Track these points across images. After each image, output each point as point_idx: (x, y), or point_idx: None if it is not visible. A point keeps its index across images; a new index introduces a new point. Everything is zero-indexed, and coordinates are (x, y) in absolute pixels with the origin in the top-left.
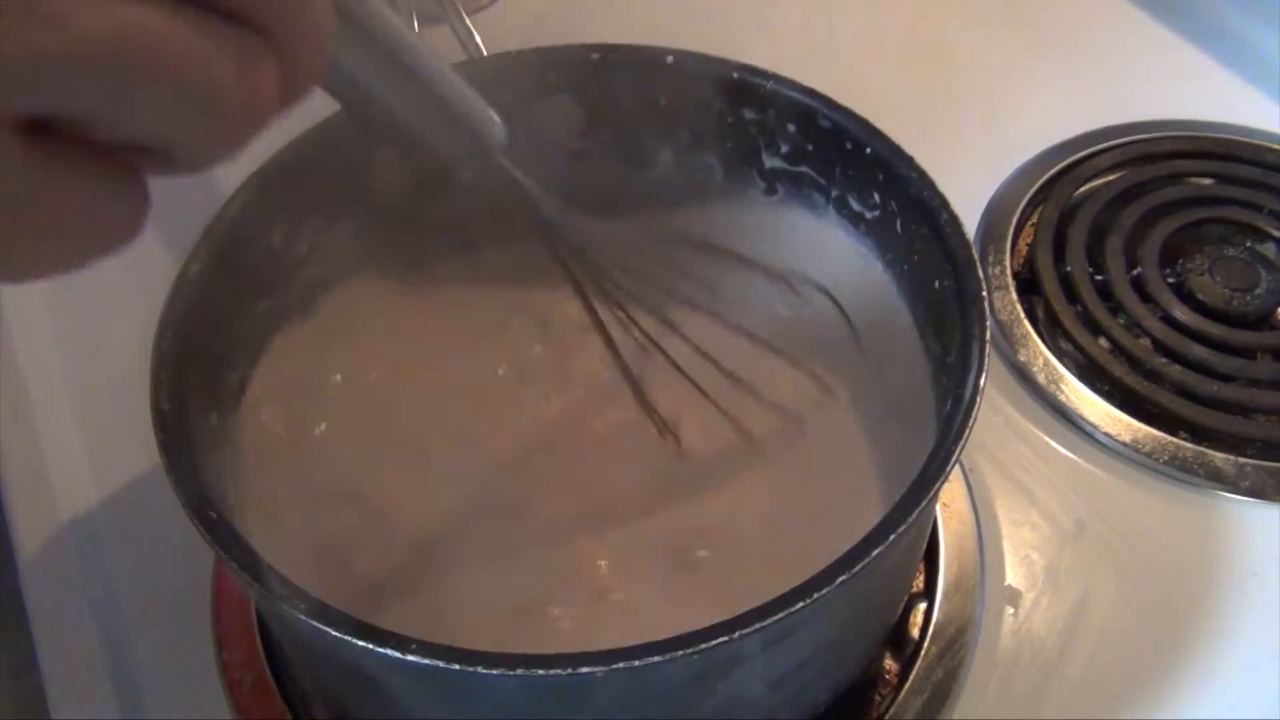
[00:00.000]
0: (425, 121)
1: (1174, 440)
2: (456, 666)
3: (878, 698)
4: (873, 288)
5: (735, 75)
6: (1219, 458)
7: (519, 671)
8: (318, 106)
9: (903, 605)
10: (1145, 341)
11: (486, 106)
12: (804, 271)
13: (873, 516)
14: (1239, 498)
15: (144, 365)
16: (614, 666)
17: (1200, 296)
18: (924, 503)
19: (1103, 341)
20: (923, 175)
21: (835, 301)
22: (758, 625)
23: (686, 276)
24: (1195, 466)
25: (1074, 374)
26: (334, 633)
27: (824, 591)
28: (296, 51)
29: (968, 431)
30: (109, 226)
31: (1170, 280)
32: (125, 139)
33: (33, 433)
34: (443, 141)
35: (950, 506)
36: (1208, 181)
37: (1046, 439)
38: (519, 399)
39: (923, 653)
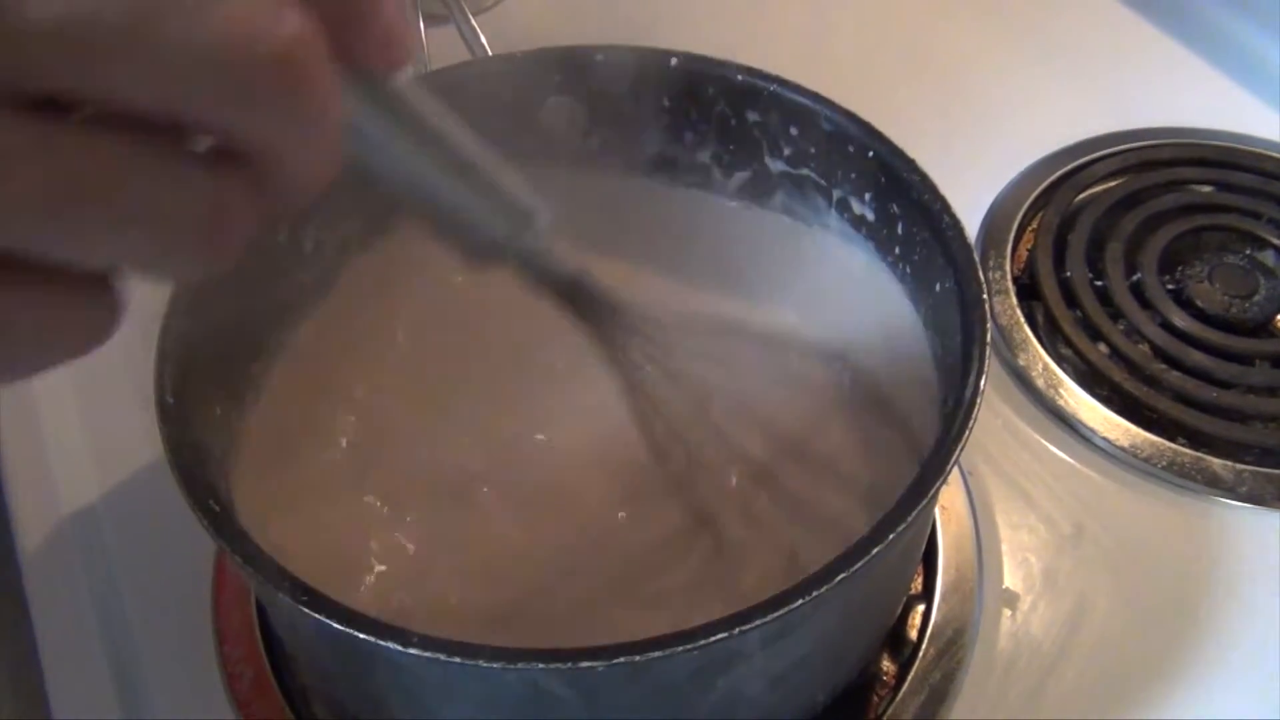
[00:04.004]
0: (459, 206)
1: (1172, 446)
2: (458, 660)
3: (875, 698)
4: (874, 290)
5: (739, 78)
6: (1217, 464)
7: (520, 665)
8: None
9: (901, 606)
10: (1144, 347)
11: (529, 193)
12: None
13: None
14: (1237, 504)
15: (147, 358)
16: (615, 661)
17: (1199, 303)
18: (923, 502)
19: (1102, 347)
20: (924, 179)
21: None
22: (758, 621)
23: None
24: (1193, 472)
25: (1073, 379)
26: (335, 625)
27: (823, 589)
28: (287, 188)
29: (968, 432)
30: (80, 333)
31: (1170, 287)
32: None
33: (35, 425)
34: (477, 225)
35: (949, 509)
36: (1208, 189)
37: (1045, 443)
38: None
39: (921, 654)
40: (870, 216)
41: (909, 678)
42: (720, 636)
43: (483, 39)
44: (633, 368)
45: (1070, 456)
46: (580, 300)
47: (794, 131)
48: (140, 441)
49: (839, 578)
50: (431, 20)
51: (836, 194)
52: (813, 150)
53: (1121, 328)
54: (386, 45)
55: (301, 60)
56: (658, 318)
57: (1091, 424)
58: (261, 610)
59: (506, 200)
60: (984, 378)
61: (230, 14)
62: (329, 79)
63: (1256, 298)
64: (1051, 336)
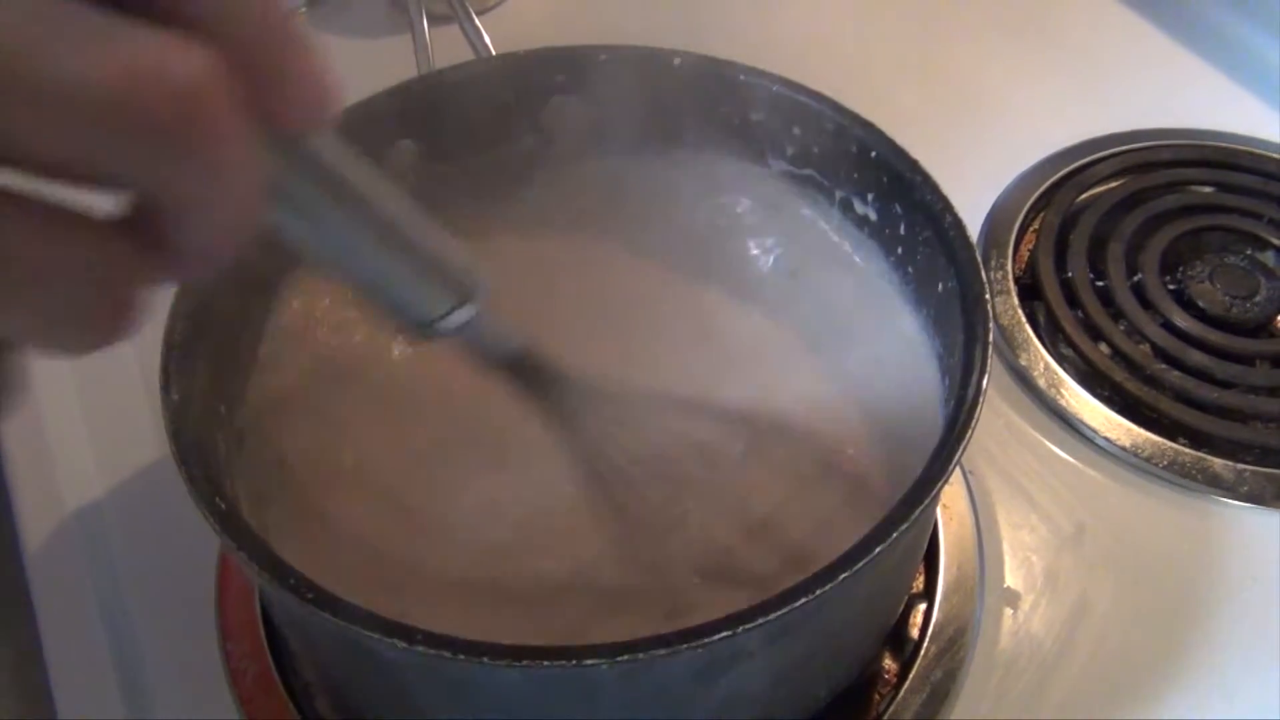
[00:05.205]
0: (390, 280)
1: (1173, 445)
2: (462, 657)
3: (877, 697)
4: (876, 290)
5: (741, 78)
6: (1218, 463)
7: (524, 663)
8: None
9: (903, 605)
10: (1145, 347)
11: (467, 262)
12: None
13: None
14: (1237, 503)
15: (152, 356)
16: (618, 659)
17: (1200, 303)
18: (926, 501)
19: (1103, 347)
20: (927, 179)
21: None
22: (761, 620)
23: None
24: (1194, 472)
25: (1074, 379)
26: (340, 622)
27: (827, 588)
28: (193, 250)
29: (970, 431)
30: None
31: (1171, 287)
32: None
33: (38, 422)
34: (409, 300)
35: (951, 509)
36: (1208, 189)
37: (1047, 443)
38: None
39: (922, 653)
40: (873, 217)
41: (910, 676)
42: (724, 635)
43: (486, 38)
44: (589, 441)
45: (1071, 456)
46: (526, 375)
47: (797, 132)
48: (144, 438)
49: (842, 576)
50: (435, 20)
51: (839, 194)
52: (815, 151)
53: (1123, 328)
54: (308, 102)
55: (202, 101)
56: (611, 389)
57: (1093, 424)
58: (265, 607)
59: (442, 272)
60: (986, 377)
61: (119, 50)
62: (235, 125)
63: (1257, 298)
64: (1053, 336)
